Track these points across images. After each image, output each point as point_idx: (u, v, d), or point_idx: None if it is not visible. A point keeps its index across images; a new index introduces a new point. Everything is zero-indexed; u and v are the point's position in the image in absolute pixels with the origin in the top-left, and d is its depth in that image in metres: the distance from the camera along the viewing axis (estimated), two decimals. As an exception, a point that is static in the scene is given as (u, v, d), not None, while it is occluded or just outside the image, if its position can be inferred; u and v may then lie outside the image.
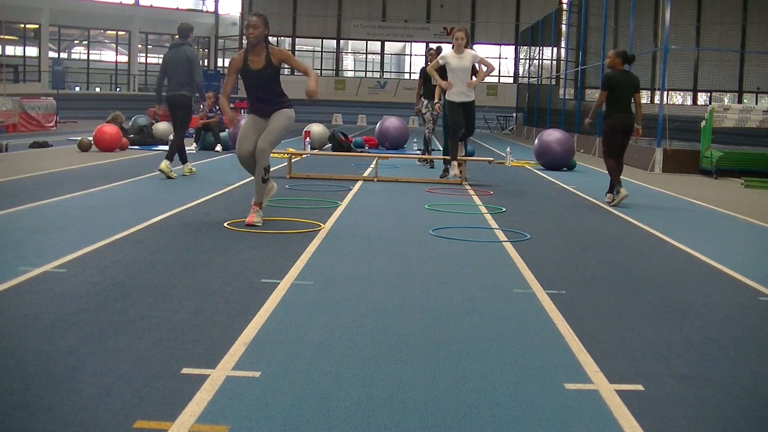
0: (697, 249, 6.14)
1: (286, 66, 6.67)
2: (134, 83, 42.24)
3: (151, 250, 5.37)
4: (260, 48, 6.44)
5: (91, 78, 41.98)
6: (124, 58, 43.06)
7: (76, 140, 14.76)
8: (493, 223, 7.15)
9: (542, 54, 31.41)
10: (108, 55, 44.11)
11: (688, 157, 14.33)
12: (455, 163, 10.43)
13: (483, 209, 8.08)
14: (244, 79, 6.58)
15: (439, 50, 12.26)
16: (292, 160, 11.18)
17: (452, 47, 10.20)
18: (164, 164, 9.97)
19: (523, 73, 36.21)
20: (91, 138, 14.17)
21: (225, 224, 6.45)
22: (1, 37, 36.59)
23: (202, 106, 16.35)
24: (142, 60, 43.42)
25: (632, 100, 9.07)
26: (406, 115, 30.77)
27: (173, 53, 10.32)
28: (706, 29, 35.44)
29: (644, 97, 36.02)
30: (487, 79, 42.64)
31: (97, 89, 41.55)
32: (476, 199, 8.99)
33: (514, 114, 36.41)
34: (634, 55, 9.73)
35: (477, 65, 10.60)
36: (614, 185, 8.90)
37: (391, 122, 17.69)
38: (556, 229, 7.03)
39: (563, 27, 29.30)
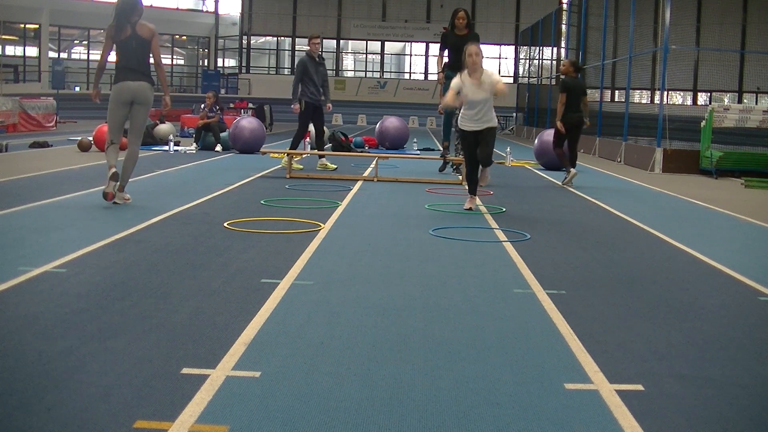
0: (697, 249, 6.14)
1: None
2: (134, 83, 42.13)
3: (151, 250, 5.37)
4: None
5: (91, 78, 41.98)
6: (124, 58, 42.98)
7: (76, 140, 14.77)
8: (493, 223, 7.15)
9: (542, 54, 31.41)
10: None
11: (688, 157, 14.33)
12: (472, 197, 7.98)
13: (483, 209, 8.08)
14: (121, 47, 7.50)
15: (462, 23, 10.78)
16: (292, 160, 11.18)
17: (463, 68, 7.70)
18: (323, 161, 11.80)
19: (523, 73, 36.24)
20: (91, 138, 14.18)
21: (225, 224, 6.45)
22: (1, 37, 36.60)
23: (202, 106, 16.36)
24: (142, 60, 43.30)
25: (581, 102, 10.93)
26: (407, 115, 30.78)
27: None
28: (706, 29, 35.46)
29: (644, 98, 36.06)
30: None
31: (97, 89, 41.48)
32: (476, 199, 8.97)
33: (514, 114, 36.41)
34: (583, 65, 11.68)
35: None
36: (566, 167, 10.97)
37: (391, 122, 17.70)
38: (556, 229, 7.03)
39: (563, 27, 29.29)
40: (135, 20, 7.39)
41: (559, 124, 10.88)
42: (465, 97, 7.62)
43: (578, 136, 11.07)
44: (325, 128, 12.25)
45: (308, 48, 11.78)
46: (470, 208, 7.87)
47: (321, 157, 11.81)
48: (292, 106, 11.55)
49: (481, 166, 7.95)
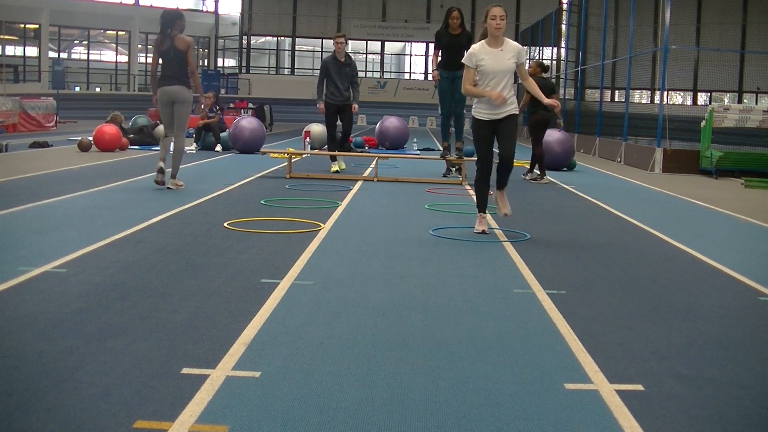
0: (697, 249, 6.14)
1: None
2: (134, 83, 42.25)
3: (151, 250, 5.37)
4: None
5: (91, 78, 42.01)
6: (124, 58, 43.08)
7: (76, 140, 14.77)
8: (493, 223, 7.14)
9: (542, 54, 31.39)
10: (108, 55, 44.14)
11: (688, 157, 14.34)
12: (482, 215, 6.63)
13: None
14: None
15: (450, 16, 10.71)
16: (293, 160, 11.18)
17: (481, 35, 6.42)
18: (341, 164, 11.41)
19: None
20: (91, 138, 14.18)
21: (225, 224, 6.45)
22: (1, 37, 36.60)
23: (203, 106, 16.36)
24: (142, 60, 43.41)
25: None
26: (407, 115, 30.79)
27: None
28: (706, 29, 35.45)
29: (644, 98, 36.07)
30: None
31: (97, 89, 41.58)
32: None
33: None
34: (549, 66, 13.32)
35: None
36: (543, 170, 11.39)
37: (391, 122, 17.70)
38: (556, 229, 7.03)
39: (563, 27, 29.29)
40: (174, 34, 8.68)
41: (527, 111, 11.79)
42: (483, 71, 6.25)
43: (543, 134, 11.62)
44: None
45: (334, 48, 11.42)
46: (483, 231, 6.48)
47: (333, 159, 11.52)
48: (318, 105, 11.36)
49: (496, 185, 6.58)
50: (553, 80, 21.66)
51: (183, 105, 8.72)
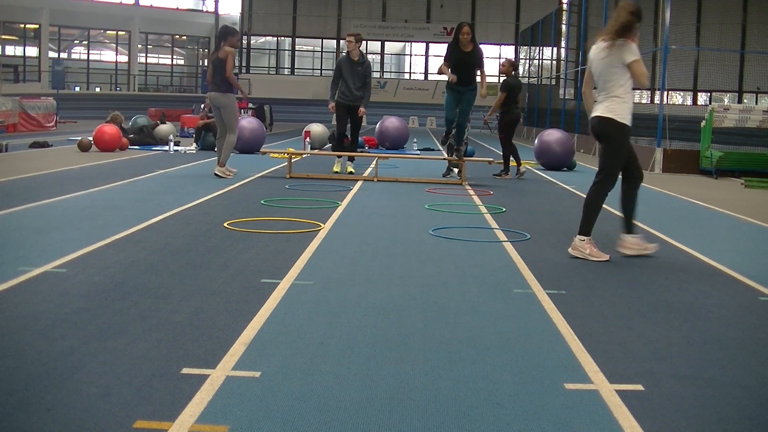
0: (697, 249, 6.14)
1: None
2: (134, 83, 42.28)
3: (151, 250, 5.37)
4: None
5: (91, 78, 42.04)
6: (124, 58, 43.11)
7: (76, 140, 14.77)
8: (493, 223, 7.15)
9: (542, 54, 31.38)
10: (108, 55, 44.16)
11: (688, 157, 14.34)
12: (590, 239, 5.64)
13: (483, 209, 8.08)
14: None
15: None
16: (293, 160, 11.18)
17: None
18: (349, 166, 11.36)
19: (523, 73, 36.24)
20: (91, 138, 14.18)
21: (225, 224, 6.45)
22: (1, 37, 36.63)
23: (202, 106, 16.37)
24: (142, 60, 43.47)
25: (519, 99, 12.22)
26: (407, 115, 30.79)
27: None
28: (706, 29, 35.49)
29: (644, 98, 36.10)
30: (487, 78, 42.23)
31: (97, 89, 41.60)
32: (476, 199, 8.98)
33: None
34: (519, 64, 13.58)
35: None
36: (508, 166, 11.81)
37: (391, 122, 17.70)
38: (556, 229, 7.02)
39: (563, 27, 29.29)
40: (221, 45, 10.02)
41: (486, 118, 12.52)
42: (594, 68, 5.79)
43: (512, 133, 11.99)
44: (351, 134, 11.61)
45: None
46: (608, 260, 5.52)
47: (351, 159, 11.35)
48: (329, 105, 11.24)
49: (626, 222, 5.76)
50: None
51: (225, 108, 9.98)
